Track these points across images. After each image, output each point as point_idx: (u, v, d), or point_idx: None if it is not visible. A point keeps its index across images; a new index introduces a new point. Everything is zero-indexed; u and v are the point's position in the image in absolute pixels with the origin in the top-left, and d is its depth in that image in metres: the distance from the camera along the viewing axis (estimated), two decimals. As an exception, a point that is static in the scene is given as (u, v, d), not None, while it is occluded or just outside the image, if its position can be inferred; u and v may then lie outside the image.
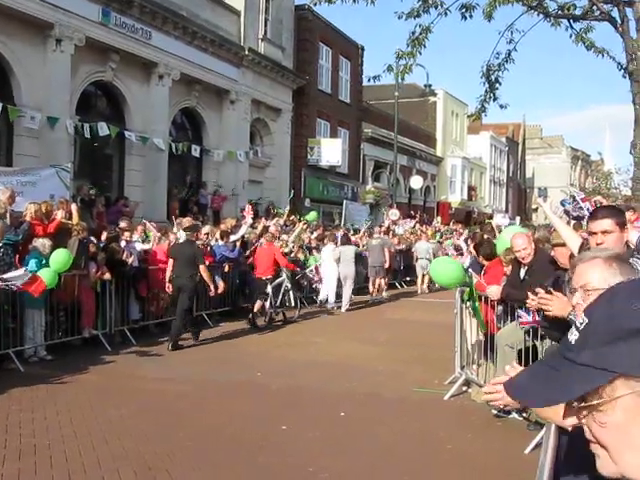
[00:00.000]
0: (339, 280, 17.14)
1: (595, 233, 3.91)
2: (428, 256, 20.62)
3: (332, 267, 17.01)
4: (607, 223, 3.87)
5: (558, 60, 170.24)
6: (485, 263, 8.51)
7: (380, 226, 24.19)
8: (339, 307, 16.83)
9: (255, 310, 13.58)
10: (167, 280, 11.63)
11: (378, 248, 18.90)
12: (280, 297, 14.26)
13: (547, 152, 68.88)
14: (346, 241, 17.95)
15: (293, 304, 14.89)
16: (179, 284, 11.32)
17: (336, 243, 17.56)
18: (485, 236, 12.00)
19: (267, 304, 13.67)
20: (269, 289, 13.70)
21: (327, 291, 17.21)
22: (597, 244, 3.85)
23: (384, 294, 19.43)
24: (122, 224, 12.98)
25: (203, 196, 21.77)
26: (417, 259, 21.58)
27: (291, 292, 14.83)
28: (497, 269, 8.02)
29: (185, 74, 20.59)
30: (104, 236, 11.94)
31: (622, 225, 3.94)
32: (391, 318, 15.51)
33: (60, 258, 9.40)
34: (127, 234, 12.43)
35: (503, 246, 7.99)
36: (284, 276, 14.42)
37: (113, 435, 6.28)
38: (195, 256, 11.41)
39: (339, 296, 17.17)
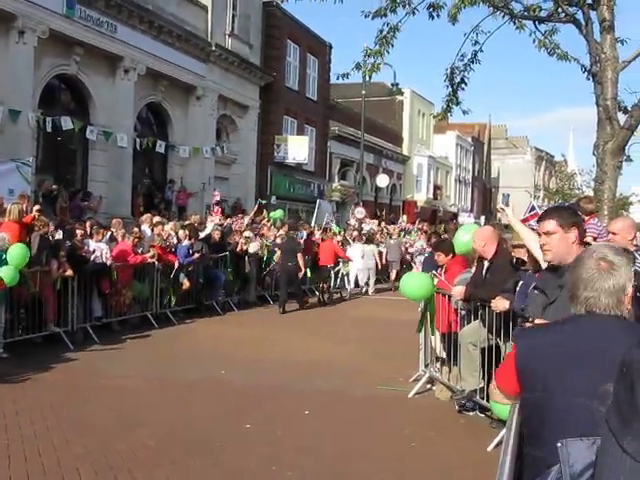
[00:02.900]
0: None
1: (540, 234, 4.05)
2: (423, 252, 23.15)
3: (357, 262, 20.19)
4: (550, 224, 3.94)
5: (524, 62, 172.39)
6: (444, 262, 8.41)
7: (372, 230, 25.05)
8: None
9: (323, 290, 17.51)
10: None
11: (396, 247, 22.89)
12: (338, 281, 19.05)
13: (512, 152, 69.81)
14: (368, 241, 21.65)
15: (346, 287, 19.76)
16: (285, 269, 15.51)
17: (351, 243, 21.20)
18: (443, 236, 14.26)
19: (332, 285, 17.98)
20: (332, 274, 17.94)
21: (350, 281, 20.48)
22: (540, 245, 4.03)
23: (397, 283, 21.60)
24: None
25: (169, 191, 21.59)
26: (416, 255, 24.00)
27: (345, 278, 19.54)
28: (456, 268, 8.03)
29: (151, 69, 20.38)
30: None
31: (568, 225, 3.95)
32: (360, 315, 15.55)
33: (17, 252, 9.23)
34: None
35: (460, 245, 8.07)
36: (341, 265, 18.95)
37: (74, 434, 6.18)
38: (295, 248, 15.63)
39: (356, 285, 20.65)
